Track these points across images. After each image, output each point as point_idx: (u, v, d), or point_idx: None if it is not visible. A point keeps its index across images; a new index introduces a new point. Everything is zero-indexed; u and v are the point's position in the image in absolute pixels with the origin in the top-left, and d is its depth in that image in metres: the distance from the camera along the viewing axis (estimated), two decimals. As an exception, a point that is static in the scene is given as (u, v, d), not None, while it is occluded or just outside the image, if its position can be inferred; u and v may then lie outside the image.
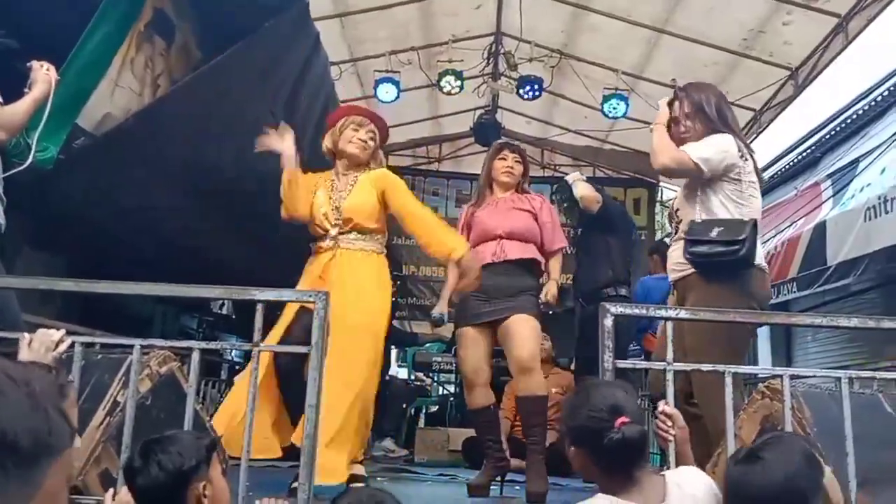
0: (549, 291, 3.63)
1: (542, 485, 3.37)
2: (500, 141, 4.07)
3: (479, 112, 7.95)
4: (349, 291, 3.15)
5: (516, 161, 3.78)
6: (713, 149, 2.90)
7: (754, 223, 2.84)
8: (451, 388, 6.81)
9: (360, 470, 3.27)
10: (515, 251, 3.56)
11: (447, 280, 4.02)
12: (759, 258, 2.92)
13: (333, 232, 3.29)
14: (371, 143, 3.40)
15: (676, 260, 3.00)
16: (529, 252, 3.60)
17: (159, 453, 1.69)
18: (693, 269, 2.89)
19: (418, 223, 3.32)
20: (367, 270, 3.27)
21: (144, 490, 1.70)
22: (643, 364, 2.56)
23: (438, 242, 3.28)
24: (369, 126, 3.42)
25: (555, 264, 3.74)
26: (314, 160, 3.61)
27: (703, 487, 1.73)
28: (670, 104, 3.12)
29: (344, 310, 3.06)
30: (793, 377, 2.35)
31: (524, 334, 3.44)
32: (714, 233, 2.84)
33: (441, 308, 3.95)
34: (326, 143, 3.47)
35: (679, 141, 3.04)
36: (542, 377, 3.51)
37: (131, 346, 2.13)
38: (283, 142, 3.33)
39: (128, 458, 1.82)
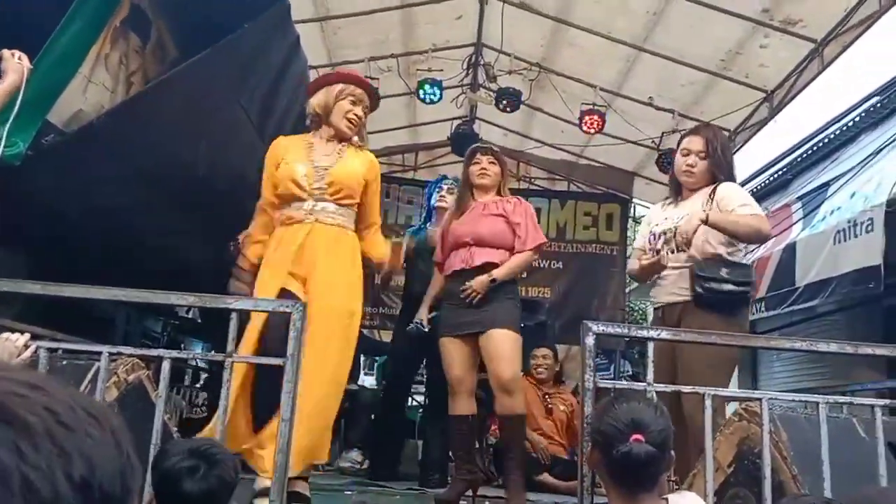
0: (479, 279, 3.44)
1: (519, 502, 3.39)
2: (473, 145, 3.98)
3: (456, 122, 7.93)
4: (324, 275, 3.04)
5: (490, 162, 3.71)
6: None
7: (753, 267, 3.11)
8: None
9: (301, 487, 2.92)
10: (483, 257, 3.51)
11: (428, 290, 4.00)
12: None
13: (309, 202, 3.10)
14: (364, 120, 3.33)
15: (678, 284, 3.15)
16: (498, 256, 3.52)
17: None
18: (689, 297, 3.10)
19: (367, 222, 3.32)
20: (343, 251, 3.14)
21: None
22: (623, 384, 2.53)
23: (372, 244, 3.33)
24: (365, 102, 3.31)
25: (515, 258, 3.53)
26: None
27: None
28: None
29: (317, 295, 2.96)
30: (771, 400, 2.35)
31: (506, 354, 3.38)
32: (723, 272, 3.07)
33: (421, 315, 3.94)
34: (316, 105, 3.26)
35: (680, 172, 3.30)
36: (523, 396, 3.54)
37: (98, 353, 2.06)
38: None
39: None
